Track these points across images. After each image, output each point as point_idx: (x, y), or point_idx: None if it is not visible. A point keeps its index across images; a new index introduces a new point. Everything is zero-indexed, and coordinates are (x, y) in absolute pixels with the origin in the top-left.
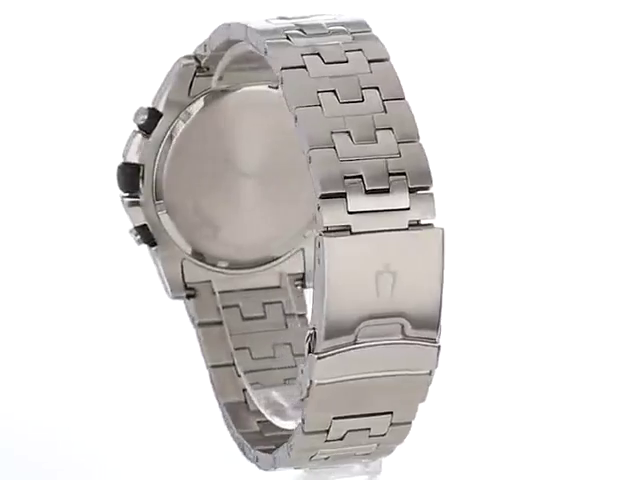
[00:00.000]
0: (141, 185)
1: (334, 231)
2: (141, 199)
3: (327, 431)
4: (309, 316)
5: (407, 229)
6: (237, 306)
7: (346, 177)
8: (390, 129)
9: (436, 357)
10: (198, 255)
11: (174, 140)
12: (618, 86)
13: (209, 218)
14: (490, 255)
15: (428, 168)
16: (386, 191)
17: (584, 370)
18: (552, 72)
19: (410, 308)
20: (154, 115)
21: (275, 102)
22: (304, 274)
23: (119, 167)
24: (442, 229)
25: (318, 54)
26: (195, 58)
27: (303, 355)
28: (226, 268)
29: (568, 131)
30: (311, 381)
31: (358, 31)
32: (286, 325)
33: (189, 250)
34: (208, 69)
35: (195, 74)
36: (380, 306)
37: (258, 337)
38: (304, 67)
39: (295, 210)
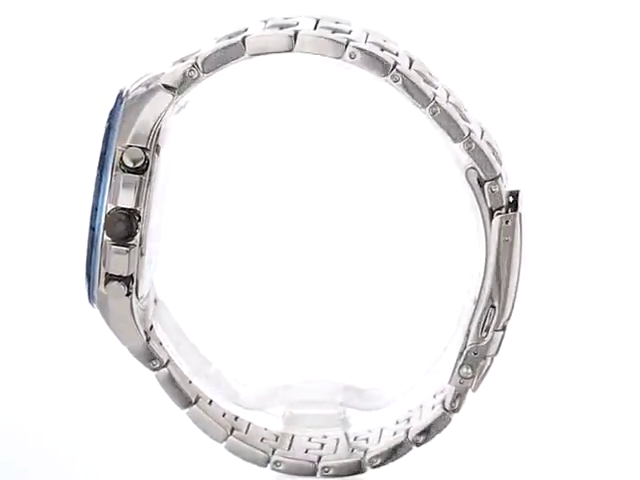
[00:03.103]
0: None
1: (501, 208)
2: (135, 246)
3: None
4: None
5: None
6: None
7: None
8: (466, 110)
9: None
10: (141, 296)
11: (154, 176)
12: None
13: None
14: None
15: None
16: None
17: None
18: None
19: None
20: (147, 154)
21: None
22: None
23: (117, 213)
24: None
25: (384, 50)
26: (173, 89)
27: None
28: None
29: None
30: (489, 357)
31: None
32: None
33: (143, 292)
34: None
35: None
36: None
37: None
38: (398, 64)
39: None
